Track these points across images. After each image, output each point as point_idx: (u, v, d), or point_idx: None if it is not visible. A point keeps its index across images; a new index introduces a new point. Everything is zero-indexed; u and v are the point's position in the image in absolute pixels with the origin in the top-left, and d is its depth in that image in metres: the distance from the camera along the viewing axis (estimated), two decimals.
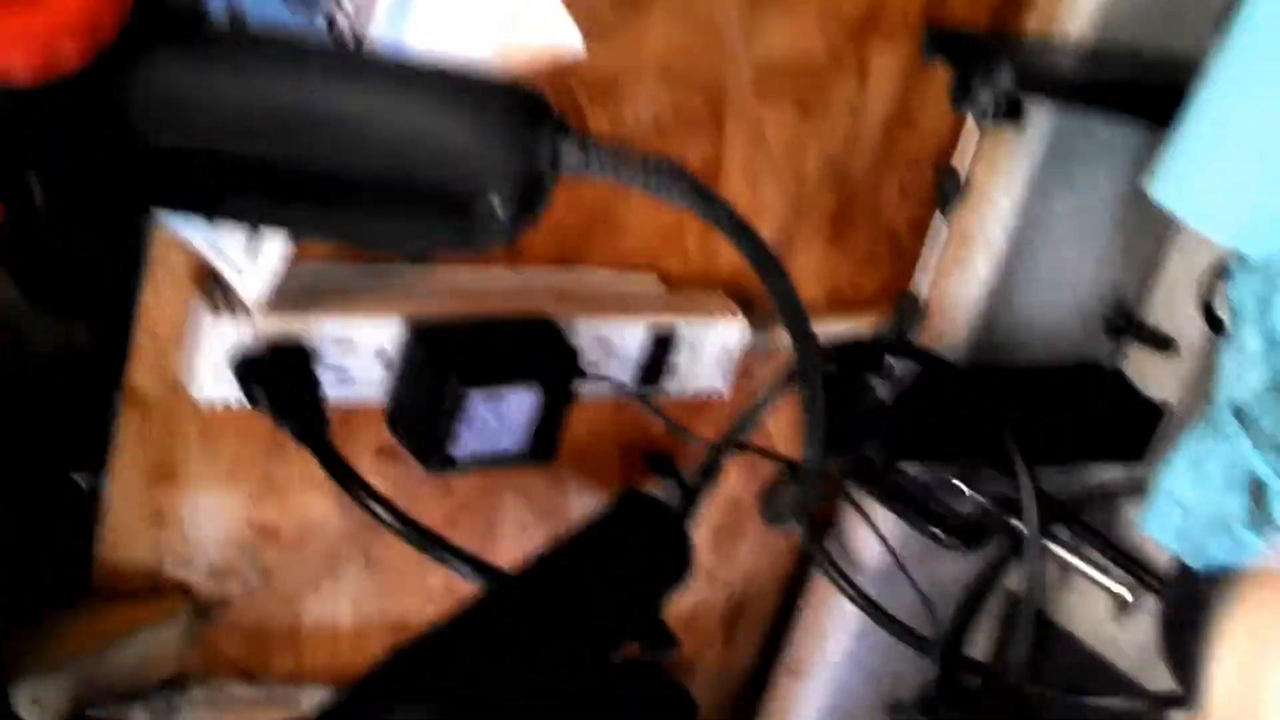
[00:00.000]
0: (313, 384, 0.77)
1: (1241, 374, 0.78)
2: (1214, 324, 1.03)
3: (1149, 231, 1.10)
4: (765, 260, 0.64)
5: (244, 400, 0.79)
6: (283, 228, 0.70)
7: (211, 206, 0.63)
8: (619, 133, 0.89)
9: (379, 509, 0.77)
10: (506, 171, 0.58)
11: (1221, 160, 0.81)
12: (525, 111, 0.58)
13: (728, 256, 0.96)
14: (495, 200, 0.59)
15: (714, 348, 0.96)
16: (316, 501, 0.88)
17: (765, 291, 0.65)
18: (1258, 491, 0.78)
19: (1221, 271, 0.97)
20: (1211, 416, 0.79)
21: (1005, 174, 1.01)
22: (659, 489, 0.88)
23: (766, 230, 0.98)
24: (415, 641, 0.68)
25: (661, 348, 0.93)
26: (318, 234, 0.72)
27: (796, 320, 0.67)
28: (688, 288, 0.97)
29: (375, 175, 0.60)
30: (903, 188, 1.04)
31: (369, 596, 0.93)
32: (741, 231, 0.62)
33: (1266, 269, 0.78)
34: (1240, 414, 0.77)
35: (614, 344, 0.91)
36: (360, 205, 0.63)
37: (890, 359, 1.00)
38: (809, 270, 1.03)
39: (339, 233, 0.67)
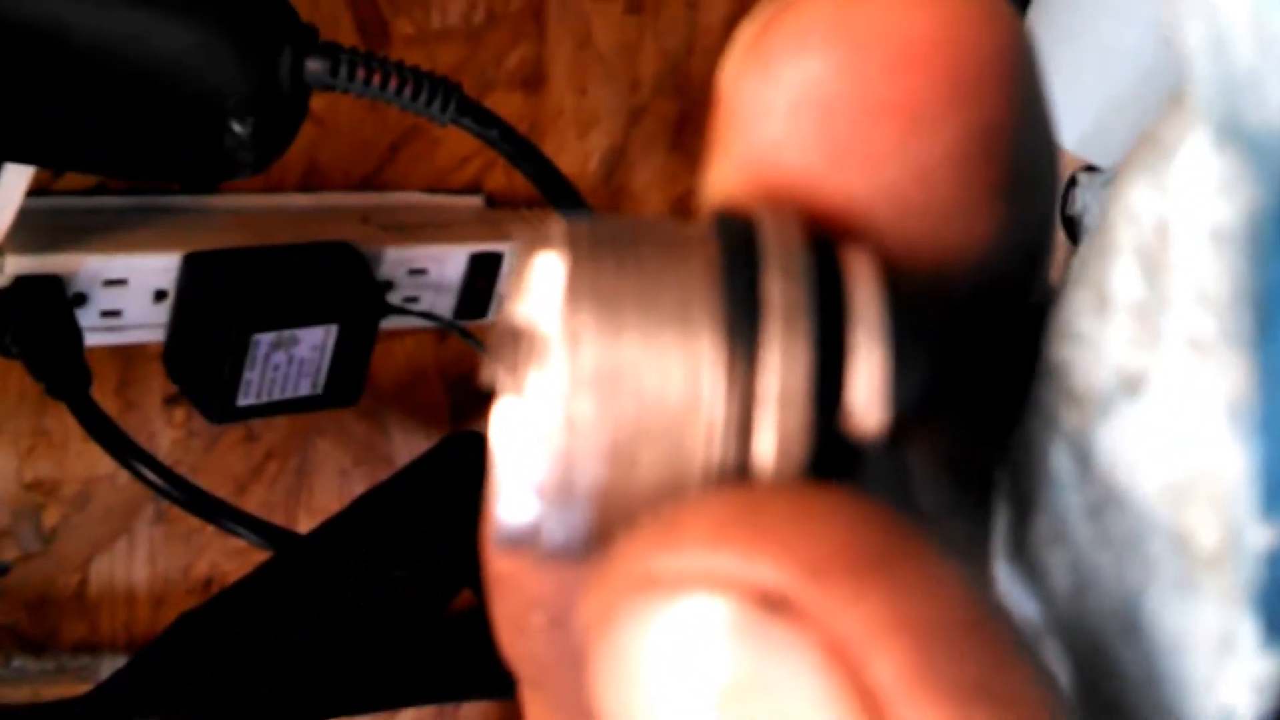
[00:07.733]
0: (70, 330, 0.68)
1: None
2: (1074, 236, 0.97)
3: None
4: (554, 185, 0.56)
5: None
6: (13, 155, 0.61)
7: None
8: (426, 36, 0.81)
9: (150, 474, 0.68)
10: (239, 90, 0.50)
11: (1065, 66, 0.76)
12: (259, 23, 0.50)
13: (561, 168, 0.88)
14: (233, 122, 0.51)
15: None
16: (99, 454, 0.79)
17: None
18: None
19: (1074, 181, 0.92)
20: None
21: None
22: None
23: (601, 138, 0.90)
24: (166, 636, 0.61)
25: (484, 274, 0.85)
26: (49, 162, 0.63)
27: None
28: (514, 207, 0.89)
29: (98, 93, 0.52)
30: None
31: (165, 555, 0.85)
32: (522, 152, 0.54)
33: (1110, 177, 0.73)
34: None
35: (430, 272, 0.83)
36: (87, 129, 0.55)
37: None
38: (649, 180, 0.95)
39: (70, 159, 0.59)
